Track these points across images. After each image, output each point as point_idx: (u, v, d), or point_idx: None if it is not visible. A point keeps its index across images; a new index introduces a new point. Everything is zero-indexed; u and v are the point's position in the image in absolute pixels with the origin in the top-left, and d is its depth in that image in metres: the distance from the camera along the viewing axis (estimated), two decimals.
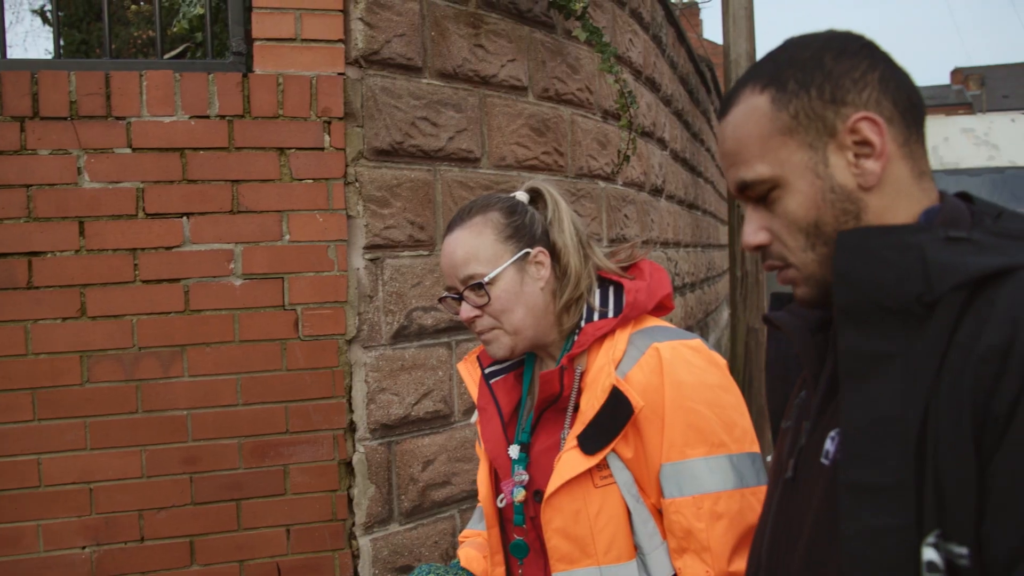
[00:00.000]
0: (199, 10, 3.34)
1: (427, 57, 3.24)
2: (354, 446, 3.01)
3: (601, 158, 4.25)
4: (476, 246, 1.71)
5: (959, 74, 56.77)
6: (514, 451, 1.77)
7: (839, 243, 1.01)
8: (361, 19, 3.02)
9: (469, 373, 1.92)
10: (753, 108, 1.09)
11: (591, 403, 1.64)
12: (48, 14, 7.27)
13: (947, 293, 0.93)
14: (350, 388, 3.00)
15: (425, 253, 3.21)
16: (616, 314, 1.71)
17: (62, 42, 7.54)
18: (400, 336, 3.12)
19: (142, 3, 5.27)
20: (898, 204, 1.05)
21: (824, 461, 1.06)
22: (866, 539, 0.93)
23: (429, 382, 3.21)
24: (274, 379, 2.90)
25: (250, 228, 2.86)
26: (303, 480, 2.93)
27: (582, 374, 1.70)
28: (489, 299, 1.69)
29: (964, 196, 1.11)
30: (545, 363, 1.83)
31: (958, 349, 0.91)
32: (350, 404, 3.00)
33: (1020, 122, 12.61)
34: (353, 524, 3.00)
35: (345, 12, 2.98)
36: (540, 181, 1.86)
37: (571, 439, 1.64)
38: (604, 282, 1.78)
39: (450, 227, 1.77)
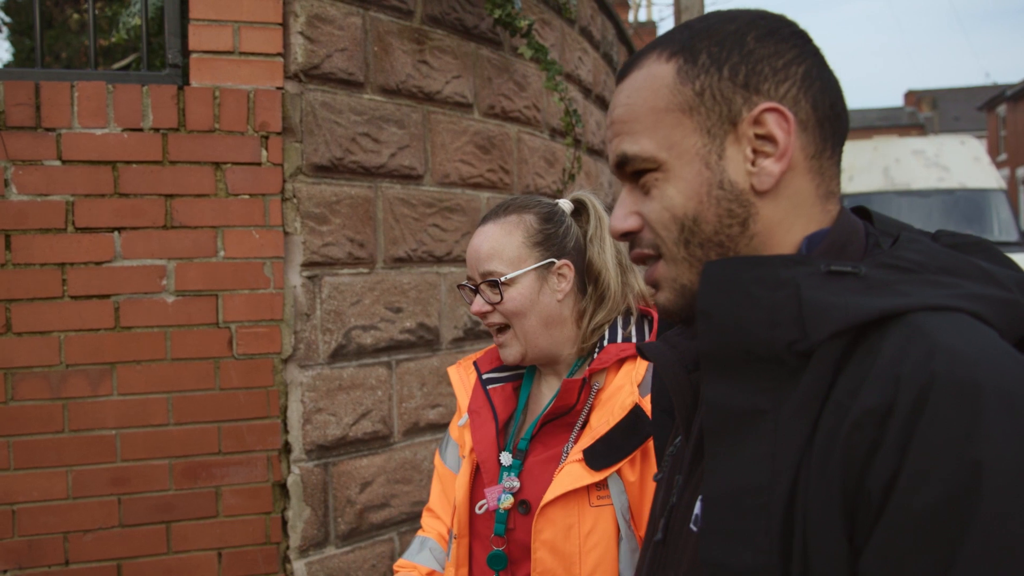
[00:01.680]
0: (138, 20, 3.28)
1: (369, 72, 3.20)
2: (289, 467, 2.95)
3: (548, 176, 4.24)
4: (503, 244, 1.72)
5: (912, 96, 57.84)
6: (506, 458, 1.75)
7: (704, 275, 0.87)
8: (301, 33, 2.98)
9: (461, 378, 1.91)
10: (654, 76, 0.94)
11: (604, 419, 1.63)
12: None
13: (824, 341, 0.79)
14: (285, 408, 2.95)
15: (365, 271, 3.17)
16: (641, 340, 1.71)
17: (12, 49, 7.42)
18: (338, 355, 3.07)
19: (84, 12, 5.18)
20: (793, 221, 0.92)
21: (693, 528, 0.93)
22: None
23: (368, 402, 3.16)
24: (207, 398, 2.83)
25: (184, 244, 2.80)
26: (236, 502, 2.86)
27: (598, 391, 1.70)
28: (502, 299, 1.70)
29: (863, 212, 0.99)
30: (546, 379, 1.83)
31: (834, 409, 0.78)
32: (285, 425, 2.94)
33: (969, 144, 12.85)
34: (288, 547, 2.94)
35: (285, 25, 2.94)
36: (587, 193, 1.86)
37: (575, 452, 1.63)
38: (640, 314, 1.78)
39: (484, 219, 1.78)
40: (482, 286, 1.74)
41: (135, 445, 2.77)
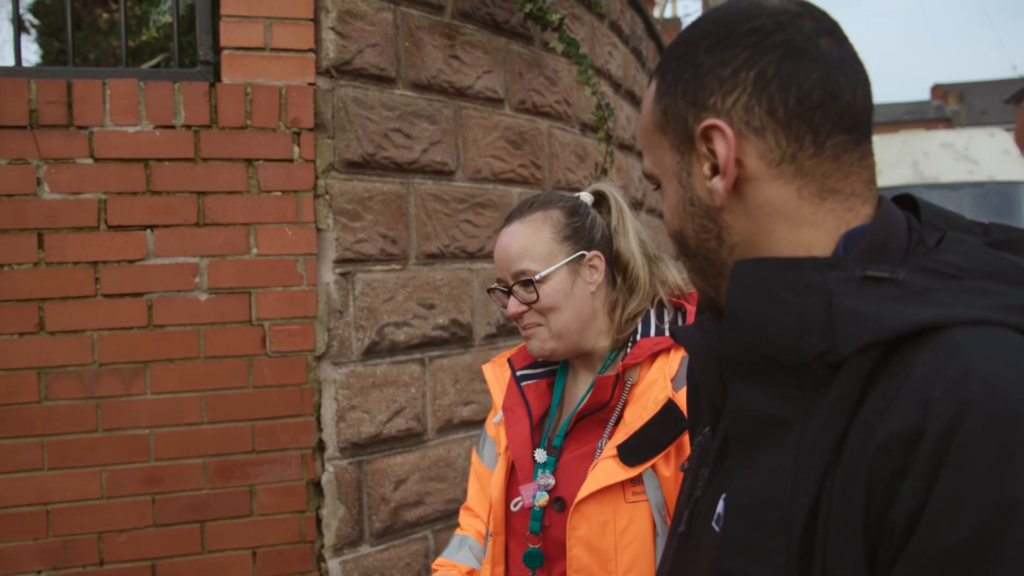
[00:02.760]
0: (168, 18, 3.27)
1: (400, 68, 3.17)
2: (323, 465, 2.92)
3: (579, 171, 4.20)
4: (532, 242, 1.70)
5: (939, 90, 57.29)
6: (541, 455, 1.73)
7: (733, 275, 0.84)
8: (332, 28, 2.95)
9: (496, 375, 1.89)
10: (648, 95, 0.96)
11: (638, 415, 1.61)
12: (26, 23, 7.16)
13: (854, 353, 0.74)
14: (319, 406, 2.92)
15: (398, 267, 3.14)
16: None
17: (41, 51, 7.46)
18: (371, 352, 3.04)
19: (114, 12, 5.19)
20: (774, 228, 0.87)
21: (715, 527, 0.90)
22: None
23: (401, 399, 3.13)
24: (240, 397, 2.82)
25: (216, 241, 2.78)
26: (270, 501, 2.84)
27: (632, 386, 1.68)
28: (538, 297, 1.68)
29: (910, 202, 0.93)
30: (580, 374, 1.81)
31: (861, 428, 0.73)
32: (319, 422, 2.92)
33: (999, 137, 12.72)
34: (322, 546, 2.92)
35: (316, 21, 2.92)
36: (606, 185, 1.85)
37: (610, 448, 1.61)
38: (674, 307, 1.75)
39: (508, 219, 1.75)
40: (515, 287, 1.70)
41: (168, 444, 2.75)
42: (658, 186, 0.98)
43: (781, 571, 0.75)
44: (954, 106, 51.44)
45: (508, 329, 3.59)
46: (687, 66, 0.90)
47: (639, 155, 5.93)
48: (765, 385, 0.80)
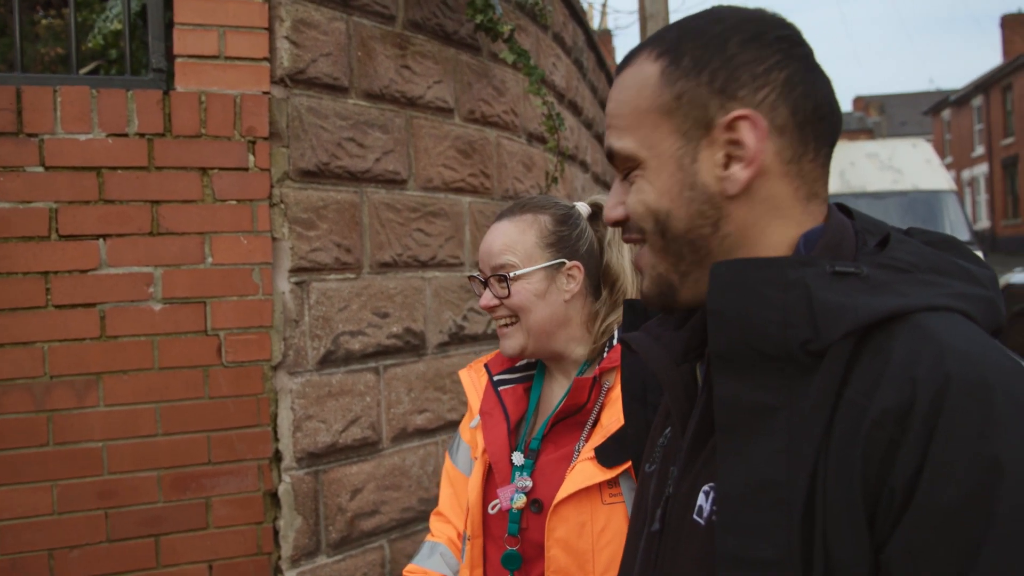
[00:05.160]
0: (116, 26, 3.22)
1: (353, 77, 3.18)
2: (280, 476, 2.91)
3: (527, 180, 4.24)
4: (516, 241, 1.75)
5: (861, 101, 58.94)
6: (518, 457, 1.76)
7: (712, 276, 0.89)
8: (287, 37, 2.95)
9: (473, 380, 1.92)
10: (642, 75, 0.97)
11: (615, 417, 1.64)
12: None
13: (837, 340, 0.82)
14: (275, 416, 2.91)
15: (352, 276, 3.14)
16: None
17: None
18: (327, 361, 3.04)
19: (51, 19, 5.07)
20: (768, 223, 0.94)
21: (698, 519, 0.94)
22: None
23: (357, 408, 3.13)
24: (196, 407, 2.78)
25: (171, 250, 2.75)
26: (226, 513, 2.82)
27: (608, 389, 1.72)
28: (509, 293, 1.73)
29: (843, 210, 1.01)
30: (557, 379, 1.84)
31: (849, 407, 0.81)
32: (275, 432, 2.91)
33: (921, 147, 13.17)
34: (279, 558, 2.90)
35: (270, 30, 2.91)
36: (605, 198, 1.87)
37: (587, 451, 1.64)
38: None
39: (500, 216, 1.81)
40: (491, 280, 1.76)
41: (122, 457, 2.71)
42: (629, 170, 0.99)
43: (783, 547, 0.81)
44: (875, 117, 52.96)
45: (460, 338, 3.61)
46: (715, 55, 0.93)
47: (581, 164, 6.00)
48: (751, 376, 0.86)
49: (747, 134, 0.91)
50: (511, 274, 1.73)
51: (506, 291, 1.74)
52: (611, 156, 1.00)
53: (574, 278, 1.76)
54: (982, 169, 38.00)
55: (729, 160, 0.93)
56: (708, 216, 0.94)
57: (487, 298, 1.77)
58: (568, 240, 1.77)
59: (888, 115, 54.06)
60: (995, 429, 0.74)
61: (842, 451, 0.79)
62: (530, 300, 1.73)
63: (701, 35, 0.95)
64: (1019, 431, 0.75)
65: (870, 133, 49.34)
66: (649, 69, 0.97)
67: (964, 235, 11.60)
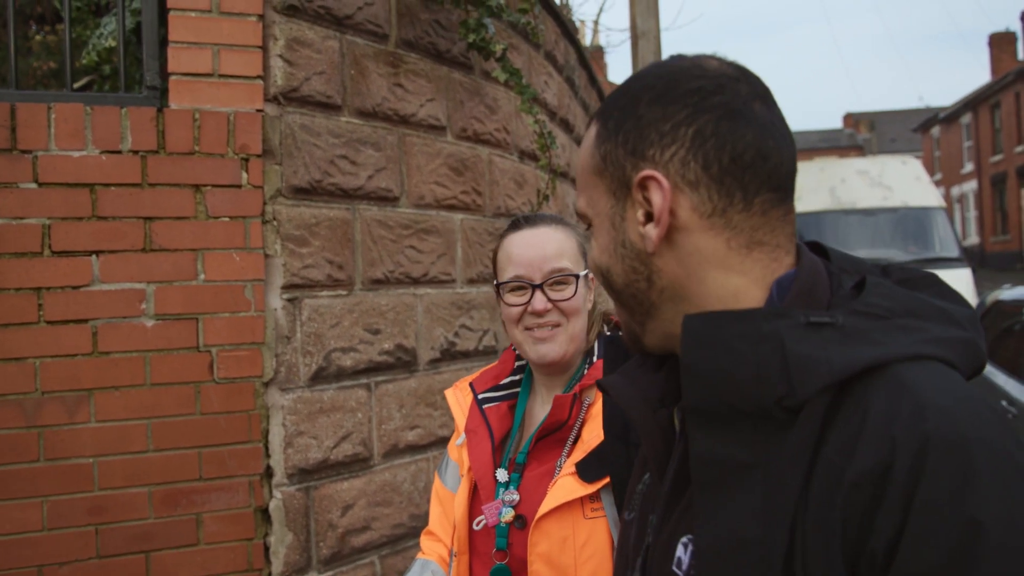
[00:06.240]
0: (110, 43, 3.24)
1: (346, 95, 3.20)
2: (271, 492, 2.91)
3: (518, 198, 4.27)
4: (568, 246, 1.80)
5: (851, 118, 59.27)
6: (502, 474, 1.78)
7: (684, 330, 0.88)
8: (280, 56, 2.97)
9: (458, 399, 1.94)
10: (588, 138, 1.01)
11: (595, 433, 1.66)
12: None
13: (812, 396, 0.81)
14: (267, 432, 2.91)
15: (344, 293, 3.15)
16: None
17: None
18: (318, 378, 3.05)
19: (45, 35, 5.09)
20: (706, 275, 0.92)
21: (676, 571, 0.93)
22: None
23: (348, 424, 3.14)
24: (187, 424, 2.79)
25: (163, 267, 2.76)
26: (217, 529, 2.82)
27: (589, 405, 1.75)
28: (573, 295, 1.75)
29: (817, 247, 1.00)
30: (541, 396, 1.87)
31: (827, 467, 0.79)
32: (267, 449, 2.91)
33: (910, 164, 13.25)
34: (270, 574, 2.90)
35: (264, 48, 2.93)
36: None
37: (568, 466, 1.67)
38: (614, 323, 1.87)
39: (530, 223, 1.83)
40: (548, 283, 1.77)
41: (113, 473, 2.71)
42: (589, 225, 1.02)
43: None
44: (865, 134, 53.22)
45: (451, 354, 3.63)
46: (628, 116, 0.95)
47: (573, 182, 6.03)
48: (726, 432, 0.85)
49: (654, 193, 0.91)
50: (580, 274, 1.77)
51: (569, 292, 1.76)
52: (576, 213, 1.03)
53: (592, 289, 1.84)
54: (971, 186, 38.25)
55: (648, 218, 0.94)
56: (640, 272, 0.95)
57: (542, 302, 1.75)
58: (585, 251, 1.83)
59: (878, 132, 54.37)
60: (975, 489, 0.73)
61: (821, 512, 0.79)
62: (581, 304, 1.79)
63: (622, 96, 0.97)
64: (999, 490, 0.74)
65: (860, 150, 49.62)
66: (591, 132, 1.00)
67: (954, 252, 11.66)
